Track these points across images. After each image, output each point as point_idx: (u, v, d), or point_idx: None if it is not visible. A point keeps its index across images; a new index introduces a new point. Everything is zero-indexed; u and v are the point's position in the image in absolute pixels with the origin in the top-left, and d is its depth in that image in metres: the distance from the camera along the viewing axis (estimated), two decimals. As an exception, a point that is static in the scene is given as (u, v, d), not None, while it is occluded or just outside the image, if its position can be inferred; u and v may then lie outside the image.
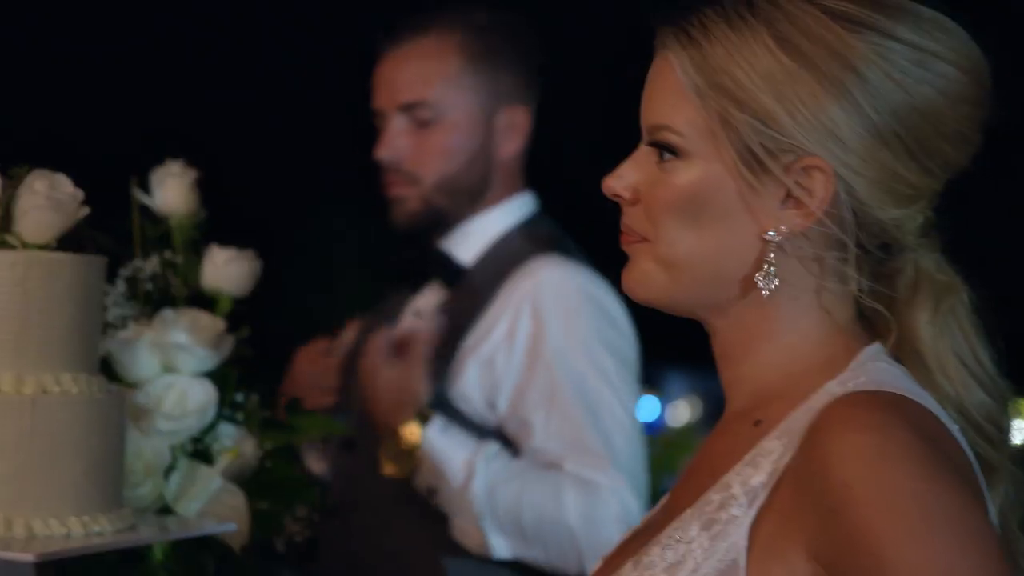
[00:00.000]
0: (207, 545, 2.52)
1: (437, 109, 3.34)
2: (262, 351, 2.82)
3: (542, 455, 3.15)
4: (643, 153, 1.79)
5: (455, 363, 3.26)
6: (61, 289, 2.25)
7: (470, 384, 3.23)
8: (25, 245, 2.27)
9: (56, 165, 2.37)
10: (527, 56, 3.46)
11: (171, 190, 2.74)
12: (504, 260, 3.38)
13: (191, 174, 2.76)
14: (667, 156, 1.74)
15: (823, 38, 1.68)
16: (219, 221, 2.86)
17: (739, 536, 1.64)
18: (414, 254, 3.45)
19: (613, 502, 3.10)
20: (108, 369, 2.55)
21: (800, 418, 1.68)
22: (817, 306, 1.75)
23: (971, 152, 1.76)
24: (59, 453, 2.21)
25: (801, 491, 1.63)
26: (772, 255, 1.71)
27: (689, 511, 1.71)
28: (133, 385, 2.58)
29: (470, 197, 3.41)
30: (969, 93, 1.72)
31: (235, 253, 2.73)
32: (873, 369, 1.71)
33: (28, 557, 2.10)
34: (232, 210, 3.06)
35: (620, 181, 1.79)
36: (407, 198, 3.37)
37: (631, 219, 1.79)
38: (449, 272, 3.41)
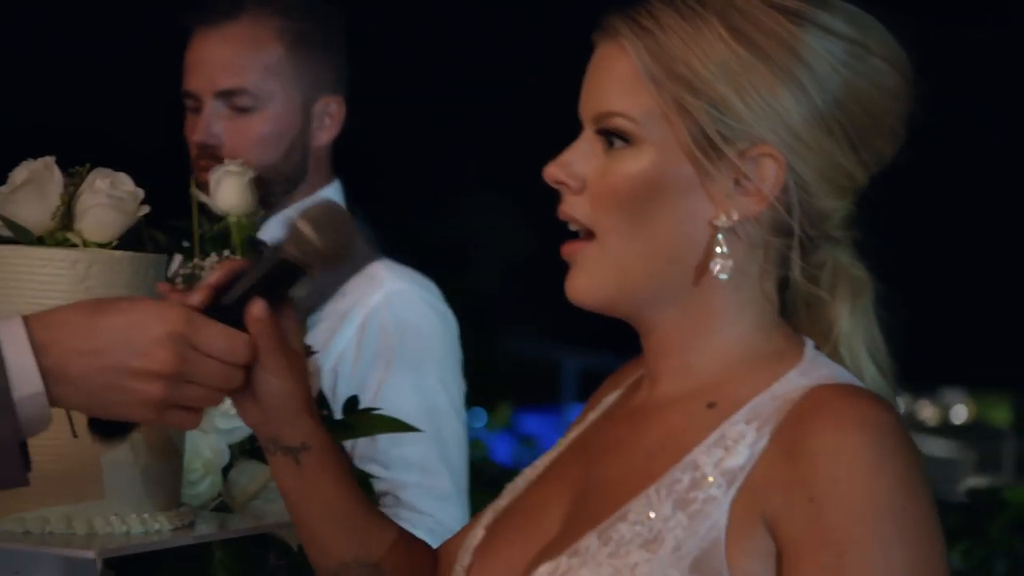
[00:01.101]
0: (265, 542, 2.49)
1: (257, 97, 3.22)
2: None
3: (384, 483, 3.07)
4: (588, 141, 1.79)
5: None
6: (122, 287, 2.22)
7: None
8: (86, 243, 2.25)
9: (116, 164, 2.34)
10: (339, 44, 3.34)
11: (228, 189, 2.73)
12: None
13: (249, 173, 2.75)
14: (617, 143, 1.76)
15: (773, 30, 1.72)
16: None
17: (720, 516, 1.67)
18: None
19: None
20: None
21: (768, 404, 1.72)
22: (760, 294, 1.79)
23: (897, 146, 1.81)
24: (119, 451, 2.17)
25: (776, 472, 1.67)
26: (721, 238, 1.74)
27: (652, 489, 1.72)
28: None
29: (286, 186, 3.28)
30: (898, 88, 1.78)
31: None
32: (827, 364, 1.77)
33: (89, 554, 2.08)
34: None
35: (566, 169, 1.79)
36: None
37: (575, 209, 1.79)
38: None
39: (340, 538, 1.93)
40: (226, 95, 3.21)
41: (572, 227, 1.82)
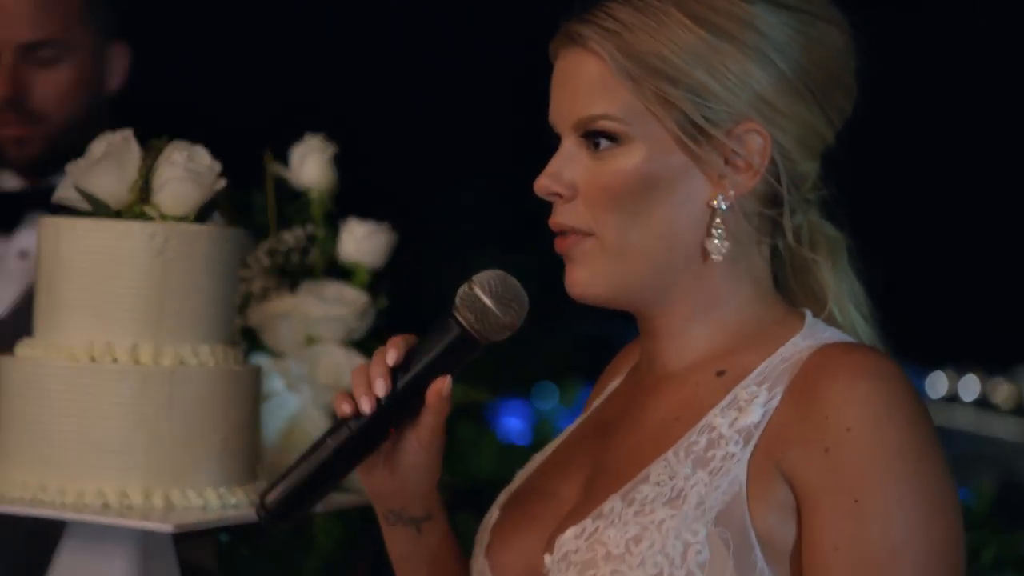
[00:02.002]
0: (362, 510, 2.51)
1: (62, 47, 3.08)
2: (396, 321, 2.81)
3: None
4: (570, 148, 1.80)
5: None
6: (199, 261, 2.23)
7: None
8: (164, 217, 2.24)
9: (192, 138, 2.33)
10: None
11: (311, 164, 2.72)
12: None
13: (330, 148, 2.73)
14: (603, 145, 1.77)
15: (729, 10, 1.75)
16: (352, 195, 2.86)
17: (739, 471, 1.71)
18: (22, 190, 3.14)
19: None
20: (254, 339, 2.55)
21: (778, 366, 1.76)
22: (755, 266, 1.82)
23: (853, 99, 1.83)
24: (196, 425, 2.20)
25: (790, 426, 1.71)
26: (719, 219, 1.77)
27: (671, 452, 1.76)
28: (278, 355, 2.57)
29: (85, 138, 3.16)
30: (845, 45, 1.80)
31: (373, 226, 2.72)
32: (827, 328, 1.81)
33: (167, 527, 2.09)
34: (368, 184, 3.04)
35: (557, 179, 1.79)
36: (30, 139, 3.08)
37: (569, 216, 1.80)
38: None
39: None
40: (30, 47, 3.07)
41: (570, 232, 1.82)
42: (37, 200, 3.03)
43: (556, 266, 1.91)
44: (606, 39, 1.76)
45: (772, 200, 1.80)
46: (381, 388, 1.78)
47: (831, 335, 1.80)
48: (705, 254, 1.79)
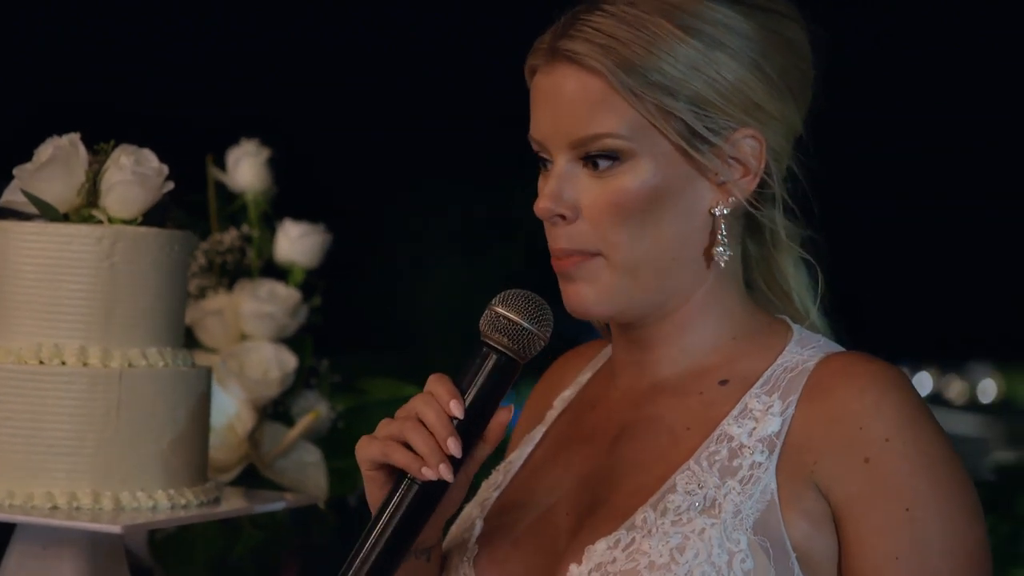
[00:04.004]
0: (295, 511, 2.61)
1: None
2: (331, 319, 2.92)
3: None
4: (566, 170, 1.80)
5: None
6: (147, 264, 2.22)
7: None
8: (111, 220, 2.24)
9: (136, 142, 2.33)
10: None
11: (246, 168, 2.78)
12: None
13: (265, 152, 2.79)
14: (604, 164, 1.78)
15: (713, 18, 1.79)
16: (289, 196, 2.92)
17: (769, 479, 1.76)
18: None
19: None
20: (188, 336, 2.57)
21: (783, 375, 1.81)
22: (735, 272, 1.87)
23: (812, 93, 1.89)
24: (146, 427, 2.19)
25: (817, 436, 1.77)
26: (724, 225, 1.81)
27: (692, 461, 1.79)
28: (213, 351, 2.62)
29: None
30: (806, 42, 1.86)
31: (308, 227, 2.78)
32: (812, 335, 1.87)
33: (116, 529, 2.08)
34: (304, 186, 3.13)
35: (558, 201, 1.79)
36: None
37: (572, 238, 1.80)
38: None
39: None
40: None
41: (576, 255, 1.81)
42: None
43: (507, 268, 2.00)
44: (603, 55, 1.75)
45: (756, 200, 1.83)
46: (456, 447, 1.72)
47: (824, 343, 1.85)
48: (708, 261, 1.81)
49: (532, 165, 1.85)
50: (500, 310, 1.74)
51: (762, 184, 1.82)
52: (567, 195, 1.80)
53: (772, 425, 1.79)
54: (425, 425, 1.72)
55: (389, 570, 1.73)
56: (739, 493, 1.76)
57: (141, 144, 2.34)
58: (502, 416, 1.76)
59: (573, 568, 1.75)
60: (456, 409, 1.73)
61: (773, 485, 1.76)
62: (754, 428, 1.79)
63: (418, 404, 1.72)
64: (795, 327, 1.87)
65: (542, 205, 1.79)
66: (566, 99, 1.78)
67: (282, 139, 2.88)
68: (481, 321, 1.74)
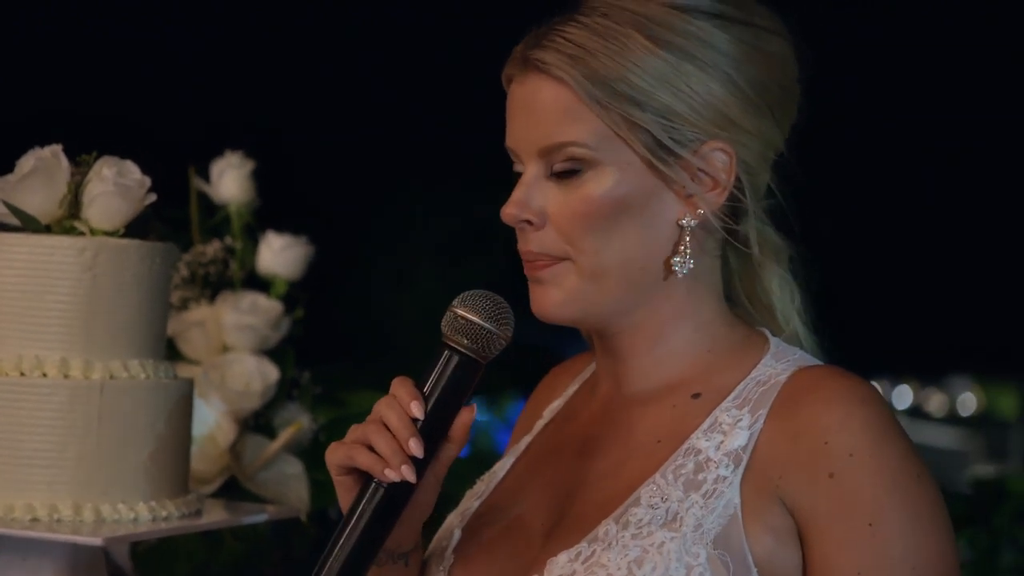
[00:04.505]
0: (274, 524, 2.61)
1: None
2: (312, 330, 2.92)
3: None
4: (534, 177, 1.81)
5: None
6: (129, 276, 2.22)
7: None
8: (93, 232, 2.23)
9: (116, 154, 2.33)
10: None
11: (229, 179, 2.77)
12: None
13: (249, 164, 2.78)
14: (571, 171, 1.78)
15: (687, 30, 1.78)
16: (274, 209, 2.92)
17: (733, 494, 1.75)
18: None
19: None
20: (170, 348, 2.55)
21: (755, 389, 1.80)
22: (714, 284, 1.86)
23: (797, 106, 1.88)
24: (128, 438, 2.18)
25: (782, 451, 1.75)
26: (688, 238, 1.80)
27: (658, 475, 1.78)
28: (195, 363, 2.61)
29: None
30: (791, 57, 1.85)
31: (290, 239, 2.77)
32: (790, 347, 1.86)
33: (96, 541, 2.08)
34: (286, 198, 3.14)
35: (525, 209, 1.80)
36: None
37: (542, 243, 1.81)
38: None
39: None
40: None
41: (542, 260, 1.82)
42: None
43: (488, 278, 2.00)
44: (571, 65, 1.76)
45: (733, 214, 1.82)
46: (417, 448, 1.73)
47: (800, 357, 1.83)
48: (669, 271, 1.80)
49: (511, 176, 1.85)
50: (459, 311, 1.75)
51: (736, 199, 1.81)
52: (535, 202, 1.81)
53: (740, 439, 1.78)
54: (388, 427, 1.73)
55: (357, 573, 1.74)
56: (701, 507, 1.76)
57: (123, 155, 2.33)
58: (465, 416, 1.77)
59: None
60: (416, 410, 1.75)
61: (737, 499, 1.75)
62: (722, 442, 1.78)
63: (382, 407, 1.74)
64: (772, 340, 1.86)
65: (508, 211, 1.81)
66: (536, 108, 1.79)
67: (265, 152, 2.87)
68: (442, 322, 1.75)
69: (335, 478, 1.77)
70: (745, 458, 1.76)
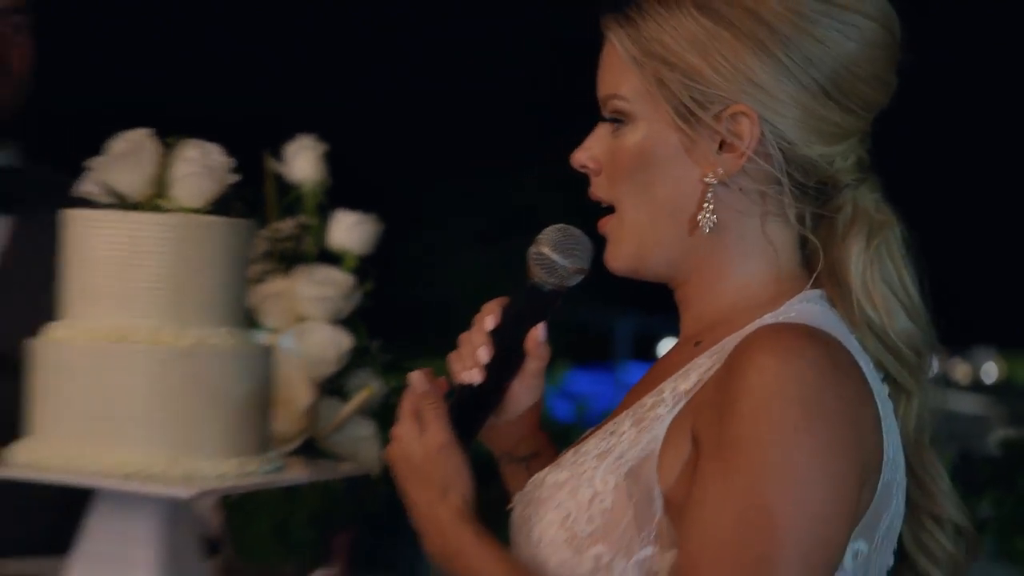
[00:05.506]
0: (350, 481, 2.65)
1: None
2: (382, 303, 2.97)
3: None
4: (602, 127, 1.87)
5: None
6: (213, 250, 2.27)
7: None
8: (180, 209, 2.28)
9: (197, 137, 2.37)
10: None
11: (303, 161, 2.80)
12: None
13: (321, 146, 2.81)
14: (618, 124, 1.84)
15: (740, 1, 1.78)
16: (343, 188, 2.96)
17: (659, 430, 1.77)
18: None
19: None
20: (250, 318, 2.58)
21: (732, 341, 1.77)
22: (764, 243, 1.84)
23: (889, 91, 1.84)
24: (214, 400, 2.23)
25: (709, 392, 1.74)
26: (710, 195, 1.80)
27: (625, 413, 1.83)
28: (274, 332, 2.65)
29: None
30: (880, 38, 1.81)
31: (360, 216, 2.81)
32: (802, 308, 1.80)
33: (186, 494, 2.14)
34: (357, 179, 3.19)
35: (584, 152, 1.87)
36: None
37: (596, 188, 1.88)
38: None
39: None
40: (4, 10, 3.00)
41: (603, 204, 1.88)
42: None
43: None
44: (621, 27, 1.82)
45: (777, 180, 1.82)
46: (485, 355, 1.88)
47: (795, 315, 1.78)
48: (695, 226, 1.81)
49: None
50: (540, 247, 1.87)
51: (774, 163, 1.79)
52: (595, 150, 1.87)
53: (689, 382, 1.79)
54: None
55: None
56: (631, 442, 1.79)
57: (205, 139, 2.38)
58: (535, 332, 1.91)
59: (517, 495, 1.87)
60: (489, 323, 1.92)
61: (661, 435, 1.77)
62: (679, 385, 1.80)
63: (473, 323, 1.91)
64: (795, 298, 1.83)
65: (573, 156, 1.88)
66: (603, 63, 1.87)
67: (332, 136, 2.91)
68: (528, 252, 1.88)
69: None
70: (684, 400, 1.78)
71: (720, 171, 1.80)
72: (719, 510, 1.67)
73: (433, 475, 1.88)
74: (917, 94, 1.89)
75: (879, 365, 1.82)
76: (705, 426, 1.72)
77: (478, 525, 1.85)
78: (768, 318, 1.79)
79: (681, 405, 1.77)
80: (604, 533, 1.76)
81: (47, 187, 3.11)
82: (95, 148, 2.36)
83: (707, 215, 1.81)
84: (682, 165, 1.82)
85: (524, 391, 1.97)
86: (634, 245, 1.86)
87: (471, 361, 1.93)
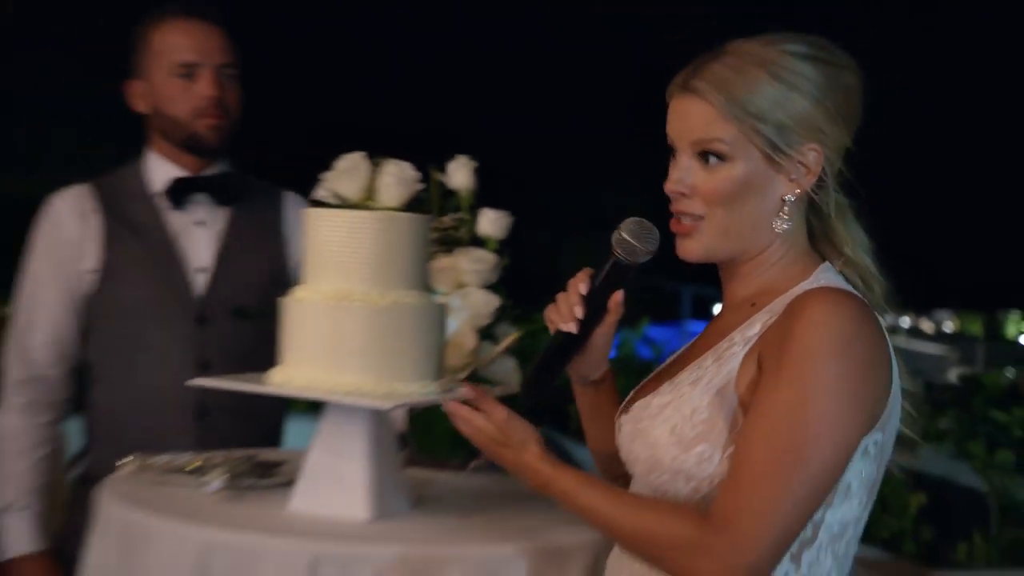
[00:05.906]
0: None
1: (237, 68, 3.10)
2: (515, 274, 3.05)
3: None
4: (687, 161, 1.89)
5: None
6: (407, 236, 2.33)
7: None
8: (383, 208, 2.36)
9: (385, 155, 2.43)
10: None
11: (460, 174, 2.86)
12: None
13: (472, 164, 2.87)
14: (713, 161, 1.87)
15: (793, 67, 1.85)
16: (488, 193, 3.00)
17: (735, 363, 1.83)
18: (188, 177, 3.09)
19: None
20: (427, 285, 2.62)
21: (782, 301, 1.85)
22: (797, 234, 1.92)
23: (861, 115, 1.92)
24: (408, 341, 2.29)
25: (772, 334, 1.81)
26: (786, 208, 1.88)
27: (707, 354, 1.88)
28: (445, 295, 2.70)
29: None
30: (858, 80, 1.90)
31: (499, 213, 2.85)
32: (827, 276, 1.89)
33: (387, 405, 2.19)
34: (498, 187, 3.26)
35: (680, 184, 1.90)
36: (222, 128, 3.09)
37: (687, 207, 1.89)
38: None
39: (612, 434, 2.08)
40: (227, 66, 3.05)
41: (687, 217, 1.92)
42: (199, 184, 3.11)
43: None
44: (717, 91, 1.85)
45: (817, 188, 1.91)
46: (580, 312, 1.96)
47: (825, 280, 1.87)
48: (771, 229, 1.89)
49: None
50: (622, 233, 1.92)
51: (820, 181, 1.91)
52: (687, 179, 1.91)
53: (754, 329, 1.86)
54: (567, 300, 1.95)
55: (546, 380, 1.98)
56: (713, 373, 1.85)
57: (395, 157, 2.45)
58: (616, 296, 1.96)
59: (624, 416, 1.93)
60: (582, 288, 1.97)
61: (736, 365, 1.83)
62: (747, 331, 1.86)
63: (568, 287, 1.97)
64: (820, 270, 1.89)
65: (669, 186, 1.92)
66: (691, 116, 1.89)
67: (482, 155, 2.98)
68: (612, 236, 1.92)
69: (549, 325, 2.00)
70: (752, 341, 1.84)
71: (798, 191, 1.89)
72: (772, 405, 1.75)
73: (511, 437, 1.95)
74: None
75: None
76: (768, 356, 1.80)
77: (554, 458, 1.93)
78: (804, 284, 1.88)
79: (750, 345, 1.84)
80: (704, 435, 1.83)
81: (251, 188, 3.22)
82: (285, 161, 2.42)
83: (783, 222, 1.90)
84: (769, 188, 1.89)
85: (602, 337, 2.04)
86: (717, 244, 1.91)
87: (568, 315, 1.97)
